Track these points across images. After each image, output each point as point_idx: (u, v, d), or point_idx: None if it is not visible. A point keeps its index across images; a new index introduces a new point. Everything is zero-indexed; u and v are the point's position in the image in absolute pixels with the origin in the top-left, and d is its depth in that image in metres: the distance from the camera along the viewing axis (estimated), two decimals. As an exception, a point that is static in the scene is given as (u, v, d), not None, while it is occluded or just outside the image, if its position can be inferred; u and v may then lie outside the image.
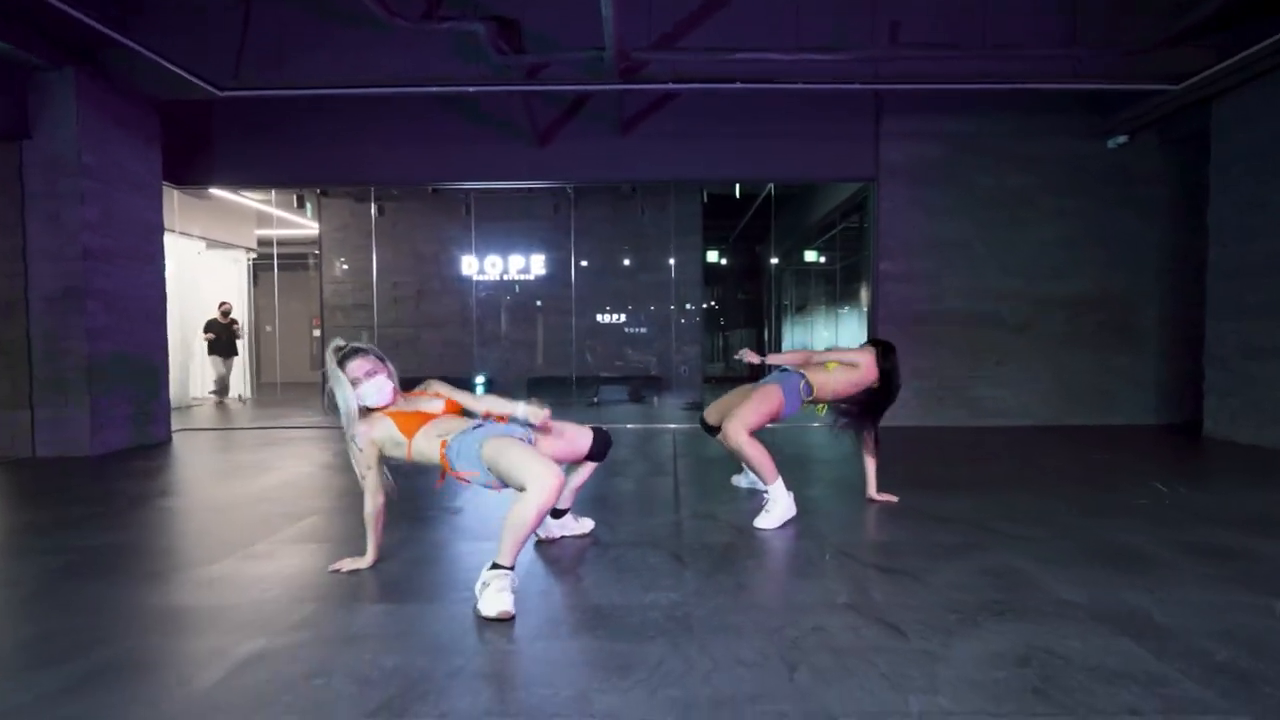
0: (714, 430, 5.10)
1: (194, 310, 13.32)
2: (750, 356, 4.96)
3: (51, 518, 4.80)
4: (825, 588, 3.32)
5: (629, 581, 3.41)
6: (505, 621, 2.93)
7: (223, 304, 13.51)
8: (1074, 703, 2.29)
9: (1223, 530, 4.28)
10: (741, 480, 5.60)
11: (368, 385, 3.54)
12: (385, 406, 3.59)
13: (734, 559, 3.78)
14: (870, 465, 5.07)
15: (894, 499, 5.02)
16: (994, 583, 3.37)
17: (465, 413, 3.67)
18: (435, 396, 3.69)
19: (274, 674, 2.50)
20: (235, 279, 15.04)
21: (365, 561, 3.62)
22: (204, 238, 13.52)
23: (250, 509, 4.97)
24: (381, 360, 3.65)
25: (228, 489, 5.73)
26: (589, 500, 5.15)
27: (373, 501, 3.56)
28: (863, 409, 4.94)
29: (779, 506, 4.54)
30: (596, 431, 3.94)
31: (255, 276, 16.89)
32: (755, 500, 4.95)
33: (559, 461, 3.60)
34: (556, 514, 4.14)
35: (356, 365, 3.55)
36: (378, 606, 3.11)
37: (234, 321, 13.73)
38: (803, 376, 4.79)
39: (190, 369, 13.29)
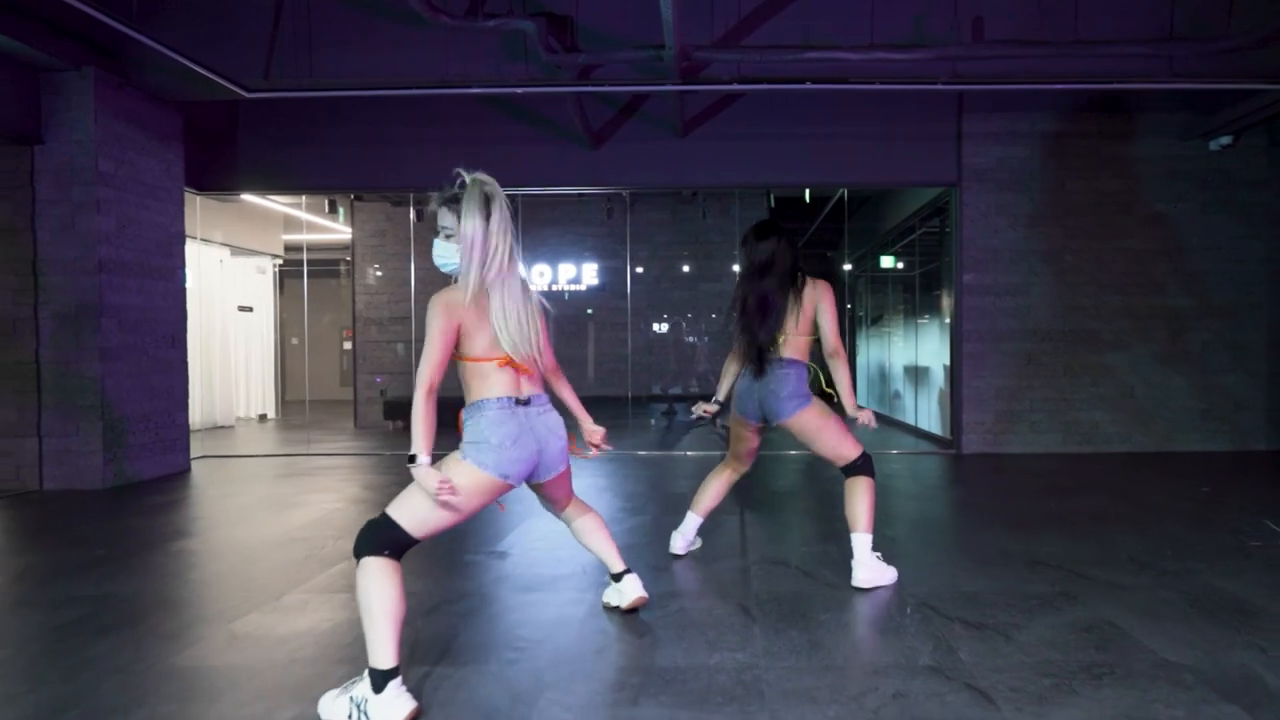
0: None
1: (216, 323, 13.47)
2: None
3: (57, 562, 4.79)
4: (907, 646, 3.28)
5: (693, 639, 3.38)
6: (559, 686, 2.91)
7: None
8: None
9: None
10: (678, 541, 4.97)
11: (438, 244, 3.10)
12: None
13: (806, 611, 3.74)
14: None
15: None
16: (1090, 641, 3.31)
17: None
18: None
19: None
20: (260, 287, 15.20)
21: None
22: (227, 244, 13.64)
23: (277, 552, 4.98)
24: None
25: (251, 528, 5.74)
26: (647, 544, 5.13)
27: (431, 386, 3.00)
28: None
29: None
30: None
31: (282, 284, 16.98)
32: (828, 543, 4.92)
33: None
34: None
35: (448, 218, 3.09)
36: (421, 669, 3.09)
37: None
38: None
39: (214, 388, 13.38)
